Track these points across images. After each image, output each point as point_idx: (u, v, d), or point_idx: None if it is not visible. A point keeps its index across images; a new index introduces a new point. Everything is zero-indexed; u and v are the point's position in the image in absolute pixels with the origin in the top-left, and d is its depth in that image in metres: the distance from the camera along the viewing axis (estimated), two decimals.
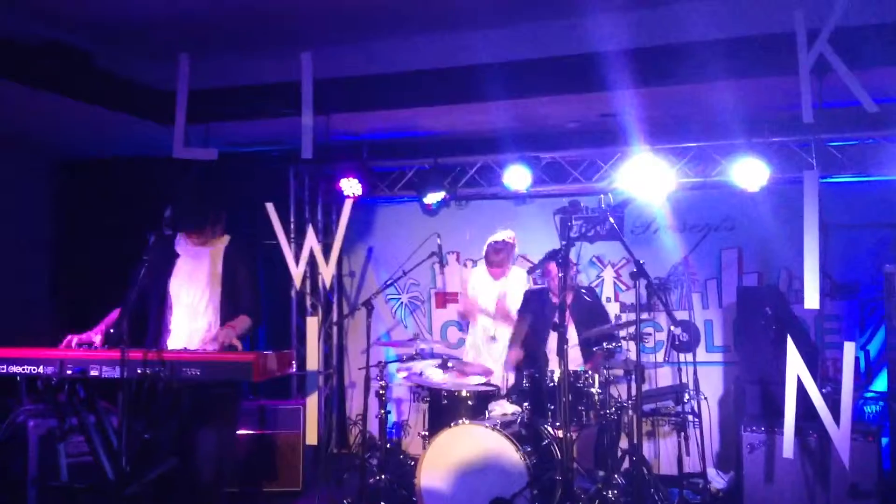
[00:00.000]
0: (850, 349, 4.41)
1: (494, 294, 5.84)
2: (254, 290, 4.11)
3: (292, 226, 6.59)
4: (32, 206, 7.06)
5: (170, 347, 3.89)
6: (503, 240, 5.77)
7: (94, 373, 3.43)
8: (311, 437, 5.27)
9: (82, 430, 3.50)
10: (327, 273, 5.53)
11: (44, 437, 4.61)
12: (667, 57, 4.89)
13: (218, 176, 5.37)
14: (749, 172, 5.51)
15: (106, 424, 3.53)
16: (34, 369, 3.47)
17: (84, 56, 5.14)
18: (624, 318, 5.01)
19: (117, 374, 3.34)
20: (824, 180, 4.70)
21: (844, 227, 5.65)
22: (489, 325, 5.86)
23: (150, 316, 4.00)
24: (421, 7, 4.87)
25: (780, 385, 4.55)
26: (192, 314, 3.97)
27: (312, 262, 5.71)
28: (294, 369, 5.93)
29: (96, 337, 3.76)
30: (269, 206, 5.56)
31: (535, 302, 5.51)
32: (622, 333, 4.93)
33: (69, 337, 3.71)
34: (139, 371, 3.35)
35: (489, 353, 5.81)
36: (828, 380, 5.47)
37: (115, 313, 3.90)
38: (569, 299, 5.28)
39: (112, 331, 3.69)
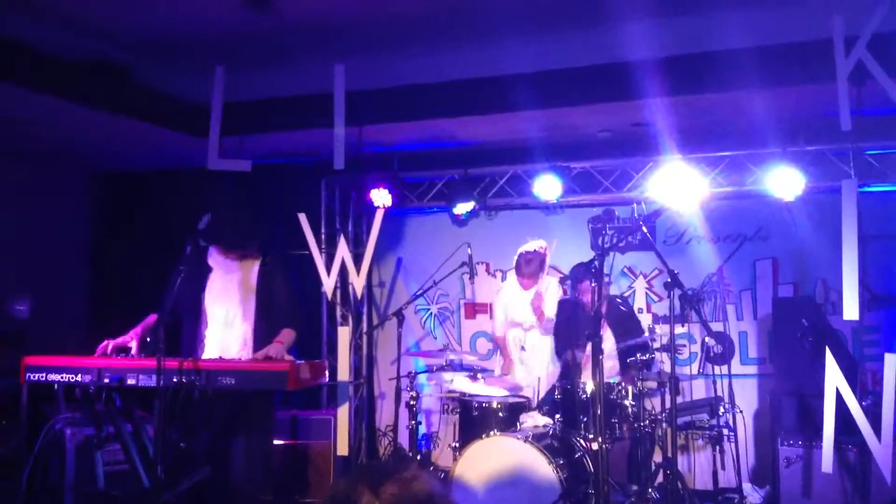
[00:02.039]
0: (891, 361, 4.31)
1: (526, 301, 5.82)
2: (292, 303, 4.13)
3: (323, 236, 6.62)
4: (71, 217, 7.20)
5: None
6: (534, 249, 5.70)
7: (131, 381, 3.47)
8: (342, 448, 5.27)
9: (119, 438, 3.54)
10: (358, 283, 5.53)
11: (81, 445, 4.67)
12: (700, 65, 4.86)
13: (251, 187, 5.43)
14: (784, 181, 5.43)
15: (142, 433, 3.57)
16: (72, 377, 3.53)
17: (123, 71, 5.23)
18: (657, 329, 4.95)
19: (154, 382, 3.38)
20: (862, 189, 4.62)
21: (883, 237, 5.55)
22: (520, 335, 5.83)
23: (183, 328, 4.04)
24: (452, 18, 4.88)
25: (818, 398, 4.46)
26: (226, 328, 4.00)
27: (343, 272, 5.72)
28: (326, 379, 5.95)
29: (132, 343, 3.79)
30: (302, 217, 5.58)
31: (567, 311, 5.48)
32: (655, 345, 4.88)
33: (105, 342, 3.75)
34: (175, 380, 3.38)
35: (521, 362, 5.79)
36: (867, 392, 5.35)
37: (151, 317, 3.94)
38: (603, 309, 5.24)
39: (149, 339, 3.74)
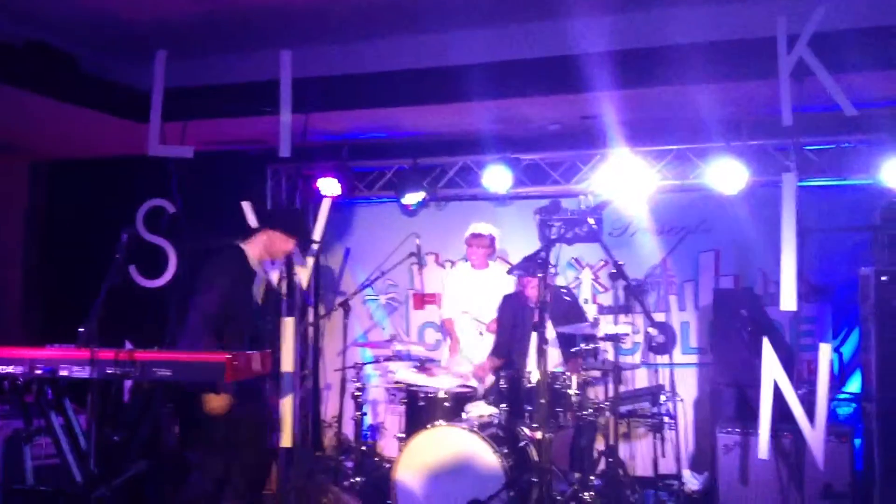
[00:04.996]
0: (825, 351, 4.44)
1: (477, 287, 5.90)
2: None
3: None
4: (7, 207, 6.93)
5: None
6: (486, 232, 5.89)
7: (63, 373, 3.35)
8: (286, 440, 5.21)
9: (49, 431, 3.42)
10: (304, 273, 5.48)
11: (9, 439, 4.52)
12: (648, 59, 4.91)
13: (194, 174, 5.32)
14: (727, 175, 5.53)
15: (74, 426, 3.45)
16: (3, 369, 3.39)
17: (66, 56, 5.08)
18: (601, 319, 5.02)
19: (87, 374, 3.27)
20: (801, 183, 4.73)
21: (820, 230, 5.69)
22: (475, 323, 5.93)
23: None
24: (403, 7, 4.85)
25: (755, 387, 4.57)
26: None
27: (289, 262, 5.64)
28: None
29: None
30: (246, 205, 5.49)
31: (512, 306, 5.51)
32: (599, 334, 4.93)
33: None
34: (109, 371, 3.28)
35: (476, 347, 5.85)
36: (803, 381, 5.49)
37: None
38: (547, 299, 5.29)
39: (82, 330, 3.61)
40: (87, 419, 3.26)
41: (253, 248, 4.26)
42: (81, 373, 3.32)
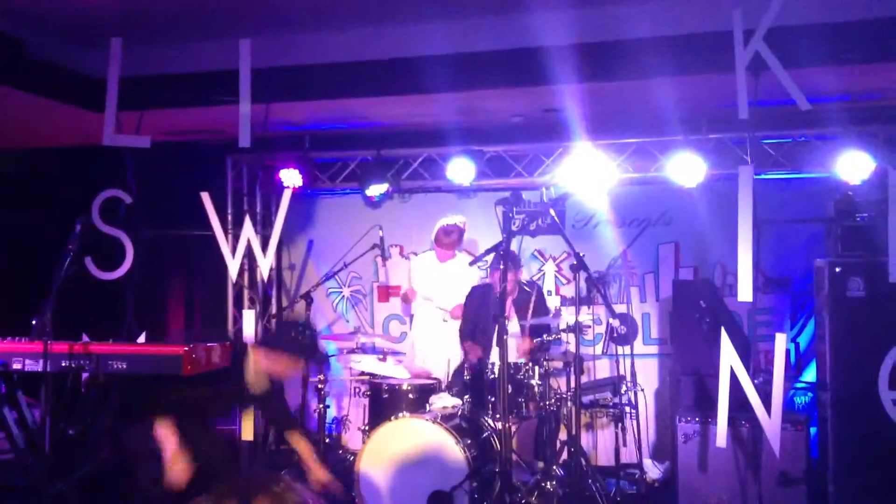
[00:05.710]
0: (781, 341, 4.53)
1: (442, 276, 5.95)
2: None
3: (230, 217, 6.43)
4: None
5: None
6: (454, 223, 5.93)
7: (16, 366, 3.28)
8: (248, 433, 5.17)
9: (2, 426, 3.34)
10: (264, 265, 5.43)
11: None
12: (610, 53, 4.94)
13: (151, 165, 5.22)
14: (686, 168, 5.61)
15: (28, 420, 3.38)
16: None
17: (16, 43, 4.92)
18: (564, 311, 5.06)
19: (41, 367, 3.20)
20: (758, 176, 4.82)
21: (777, 222, 5.81)
22: (440, 308, 5.95)
23: None
24: None
25: (714, 376, 4.65)
26: None
27: (250, 254, 5.59)
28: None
29: None
30: (205, 196, 5.41)
31: (479, 297, 5.53)
32: (561, 325, 4.97)
33: None
34: (64, 364, 3.21)
35: (440, 335, 5.86)
36: (760, 371, 5.61)
37: None
38: (514, 294, 5.33)
39: (35, 322, 3.53)
40: (41, 413, 3.19)
41: (259, 360, 3.87)
42: (35, 366, 3.25)
